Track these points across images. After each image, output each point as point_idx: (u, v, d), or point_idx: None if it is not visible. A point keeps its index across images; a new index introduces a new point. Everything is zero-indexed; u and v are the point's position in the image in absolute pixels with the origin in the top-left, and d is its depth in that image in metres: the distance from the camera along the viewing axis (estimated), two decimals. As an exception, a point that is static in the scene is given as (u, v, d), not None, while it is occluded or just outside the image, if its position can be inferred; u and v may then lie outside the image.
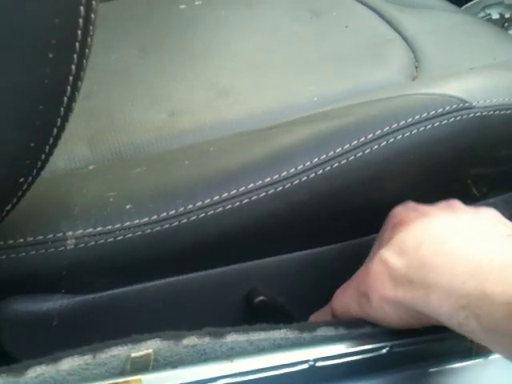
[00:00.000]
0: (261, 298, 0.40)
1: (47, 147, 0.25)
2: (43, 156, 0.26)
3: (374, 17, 0.62)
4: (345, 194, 0.38)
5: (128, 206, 0.35)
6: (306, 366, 0.32)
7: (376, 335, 0.33)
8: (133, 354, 0.30)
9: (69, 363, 0.29)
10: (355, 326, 0.34)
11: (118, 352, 0.29)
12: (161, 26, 0.61)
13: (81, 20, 0.23)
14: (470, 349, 0.35)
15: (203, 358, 0.31)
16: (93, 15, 0.24)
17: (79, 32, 0.23)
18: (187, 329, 0.33)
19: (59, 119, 0.25)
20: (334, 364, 0.32)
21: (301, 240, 0.40)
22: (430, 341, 0.34)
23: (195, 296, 0.39)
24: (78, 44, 0.23)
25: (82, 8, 0.23)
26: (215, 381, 0.30)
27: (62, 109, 0.25)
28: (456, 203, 0.36)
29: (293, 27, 0.60)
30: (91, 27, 0.24)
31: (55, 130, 0.25)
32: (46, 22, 0.22)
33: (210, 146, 0.42)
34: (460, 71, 0.49)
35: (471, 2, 0.85)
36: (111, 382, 0.29)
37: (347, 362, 0.33)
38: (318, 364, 0.32)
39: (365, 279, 0.34)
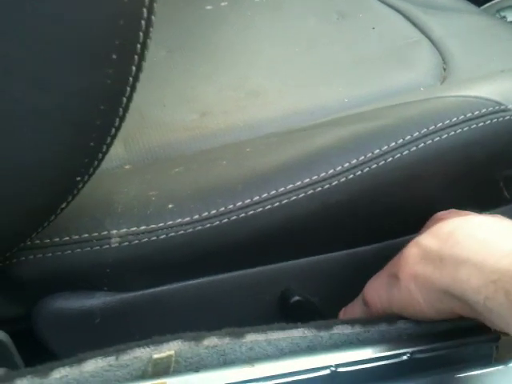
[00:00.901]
0: (296, 298, 0.40)
1: (104, 146, 0.26)
2: (100, 155, 0.26)
3: (399, 18, 0.62)
4: (380, 195, 0.38)
5: (170, 206, 0.36)
6: (327, 371, 0.32)
7: (397, 341, 0.34)
8: (155, 356, 0.30)
9: (93, 365, 0.29)
10: (371, 324, 0.34)
11: (141, 354, 0.30)
12: (187, 27, 0.62)
13: (143, 22, 0.23)
14: (489, 355, 0.35)
15: (222, 358, 0.31)
16: (153, 17, 0.24)
17: (141, 34, 0.24)
18: (225, 327, 0.33)
19: (118, 119, 0.25)
20: (355, 370, 0.32)
21: (336, 241, 0.40)
22: (450, 347, 0.34)
23: (232, 295, 0.39)
24: (139, 45, 0.24)
25: (144, 10, 0.23)
26: None
27: (121, 109, 0.25)
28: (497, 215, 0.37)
29: (319, 28, 0.60)
30: (151, 29, 0.24)
31: (113, 129, 0.26)
32: (111, 23, 0.23)
33: (245, 147, 0.42)
34: (490, 73, 0.49)
35: (486, 5, 0.85)
36: (135, 384, 0.29)
37: (368, 368, 0.33)
38: (340, 370, 0.32)
39: (396, 262, 0.35)
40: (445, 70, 0.54)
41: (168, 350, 0.30)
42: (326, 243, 0.40)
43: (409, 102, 0.42)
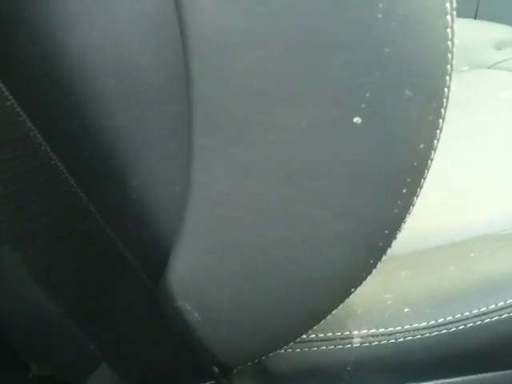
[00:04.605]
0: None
1: (378, 263, 0.29)
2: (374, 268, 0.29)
3: None
4: None
5: (406, 310, 0.38)
6: None
7: None
8: None
9: None
10: None
11: None
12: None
13: (429, 161, 0.27)
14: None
15: None
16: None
17: (426, 171, 0.27)
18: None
19: (393, 240, 0.29)
20: None
21: None
22: None
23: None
24: (422, 180, 0.27)
25: (432, 152, 0.27)
26: None
27: (398, 231, 0.28)
28: None
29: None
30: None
31: (388, 248, 0.29)
32: (407, 164, 0.26)
33: (467, 251, 0.43)
34: None
35: None
36: None
37: None
38: None
39: None
40: None
41: None
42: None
43: None
